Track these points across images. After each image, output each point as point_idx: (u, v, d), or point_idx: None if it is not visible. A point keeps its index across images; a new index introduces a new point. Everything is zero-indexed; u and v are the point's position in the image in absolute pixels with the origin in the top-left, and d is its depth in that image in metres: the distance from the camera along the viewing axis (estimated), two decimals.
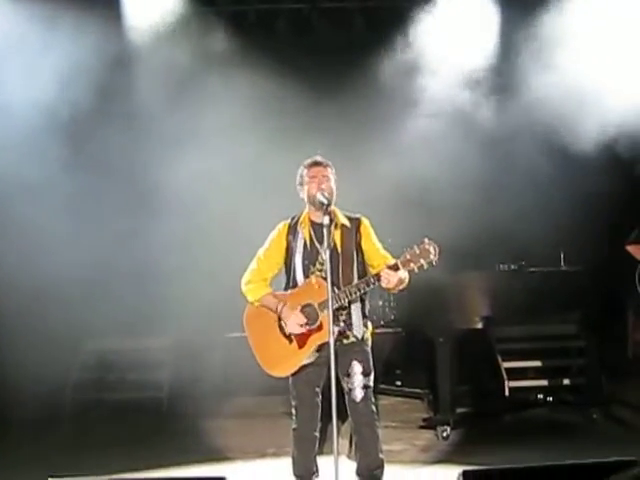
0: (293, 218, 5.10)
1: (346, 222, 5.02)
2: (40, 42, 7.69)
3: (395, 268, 4.67)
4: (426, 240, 4.64)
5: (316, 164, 5.04)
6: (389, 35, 8.70)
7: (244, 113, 8.26)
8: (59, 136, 7.71)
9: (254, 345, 5.02)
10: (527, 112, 7.98)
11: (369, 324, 5.08)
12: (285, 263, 5.05)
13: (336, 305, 4.69)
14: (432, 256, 4.60)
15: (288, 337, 4.88)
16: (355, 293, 4.78)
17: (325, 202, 4.78)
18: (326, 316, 4.58)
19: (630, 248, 6.33)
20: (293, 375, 4.96)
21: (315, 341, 4.81)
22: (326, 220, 4.66)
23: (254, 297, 5.01)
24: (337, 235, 4.95)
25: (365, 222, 5.10)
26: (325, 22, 8.97)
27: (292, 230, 5.04)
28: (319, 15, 8.94)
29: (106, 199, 8.07)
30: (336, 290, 4.72)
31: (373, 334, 5.12)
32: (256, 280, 5.04)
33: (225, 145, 8.11)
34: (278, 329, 4.91)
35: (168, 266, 8.16)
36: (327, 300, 4.51)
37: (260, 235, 5.22)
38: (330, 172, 5.03)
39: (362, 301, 4.96)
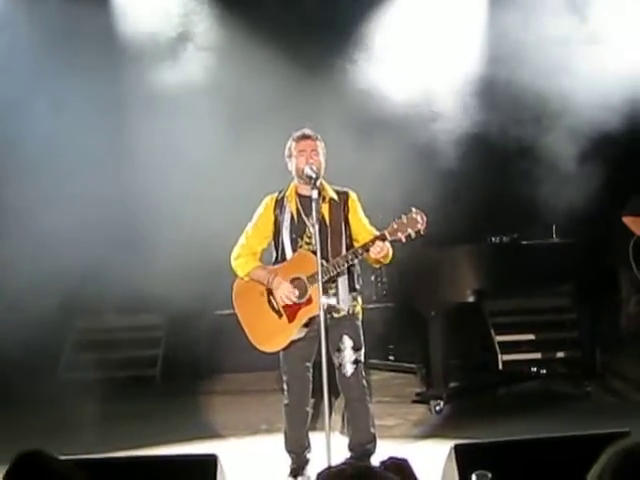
0: (280, 192, 5.05)
1: (334, 196, 4.98)
2: None
3: (383, 238, 4.63)
4: (413, 209, 4.61)
5: (305, 137, 4.98)
6: (378, 7, 8.61)
7: (233, 88, 8.21)
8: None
9: (243, 321, 4.99)
10: (515, 86, 7.92)
11: (359, 298, 5.04)
12: (273, 237, 5.01)
13: (325, 278, 4.65)
14: (420, 225, 4.57)
15: (277, 312, 4.85)
16: (343, 265, 4.74)
17: (314, 176, 4.72)
18: (315, 289, 4.55)
19: (626, 220, 6.27)
20: (284, 350, 4.93)
21: (305, 315, 4.77)
22: (315, 194, 4.62)
23: (244, 271, 4.97)
24: (325, 209, 4.91)
25: (353, 196, 5.06)
26: None
27: (279, 204, 5.00)
28: None
29: (93, 178, 7.98)
30: (325, 263, 4.69)
31: (363, 309, 5.08)
32: (245, 254, 5.01)
33: (211, 119, 8.05)
34: (267, 304, 4.88)
35: (161, 242, 8.11)
36: (316, 273, 4.48)
37: (250, 211, 5.18)
38: (319, 145, 4.98)
39: (350, 274, 4.92)
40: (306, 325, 4.82)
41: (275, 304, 4.86)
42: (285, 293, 4.78)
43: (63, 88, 7.66)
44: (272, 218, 4.99)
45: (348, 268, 4.85)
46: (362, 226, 4.98)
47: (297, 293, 4.77)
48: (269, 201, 5.05)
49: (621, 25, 7.62)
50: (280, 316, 4.85)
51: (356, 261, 4.84)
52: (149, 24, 8.31)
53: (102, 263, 7.83)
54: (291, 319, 4.82)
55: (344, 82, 8.56)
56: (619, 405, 6.73)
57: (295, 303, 4.78)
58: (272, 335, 4.89)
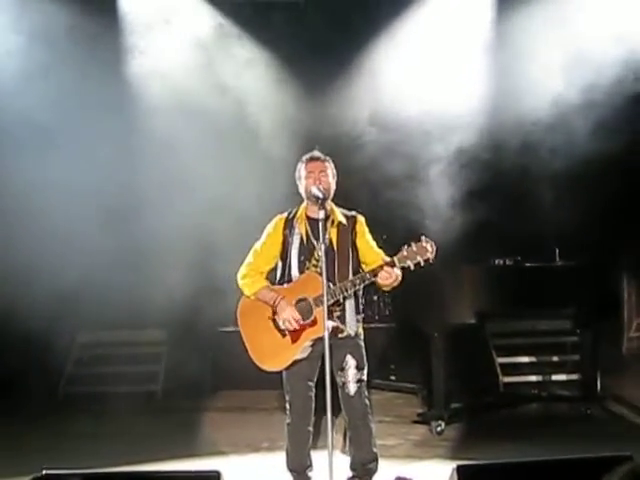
0: (290, 212, 5.09)
1: (343, 220, 5.02)
2: None
3: (392, 265, 4.65)
4: (423, 238, 4.63)
5: (313, 159, 5.03)
6: (385, 27, 8.68)
7: (240, 104, 8.29)
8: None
9: (247, 338, 5.01)
10: (519, 102, 7.99)
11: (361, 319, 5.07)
12: (281, 257, 5.04)
13: (331, 301, 4.67)
14: (429, 254, 4.59)
15: (282, 331, 4.88)
16: (350, 289, 4.77)
17: (321, 196, 4.76)
18: (320, 311, 4.57)
19: None
20: (287, 369, 4.95)
21: (309, 336, 4.80)
22: (322, 214, 4.66)
23: (250, 291, 5.00)
24: (333, 232, 4.95)
25: (361, 220, 5.10)
26: (320, 14, 8.93)
27: (289, 225, 5.03)
28: (314, 7, 8.89)
29: (95, 192, 8.00)
30: (331, 286, 4.71)
31: (365, 328, 5.11)
32: (252, 274, 5.04)
33: (218, 136, 8.11)
34: (272, 323, 4.91)
35: (163, 258, 8.13)
36: (322, 295, 4.50)
37: (258, 229, 5.22)
38: (328, 167, 5.03)
39: (356, 297, 4.96)
40: (310, 345, 4.84)
41: (279, 323, 4.89)
42: (288, 318, 4.81)
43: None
44: (281, 238, 5.03)
45: (355, 291, 4.88)
46: (369, 249, 5.01)
47: (300, 318, 4.79)
48: (278, 221, 5.09)
49: None
50: (284, 335, 4.87)
51: (363, 285, 4.87)
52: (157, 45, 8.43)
53: (105, 278, 7.85)
54: (294, 339, 4.84)
55: (347, 102, 8.64)
56: (620, 428, 6.72)
57: (300, 324, 4.81)
58: (275, 354, 4.91)
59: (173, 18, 8.49)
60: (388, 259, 4.72)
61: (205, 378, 8.48)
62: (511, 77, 8.11)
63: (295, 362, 4.91)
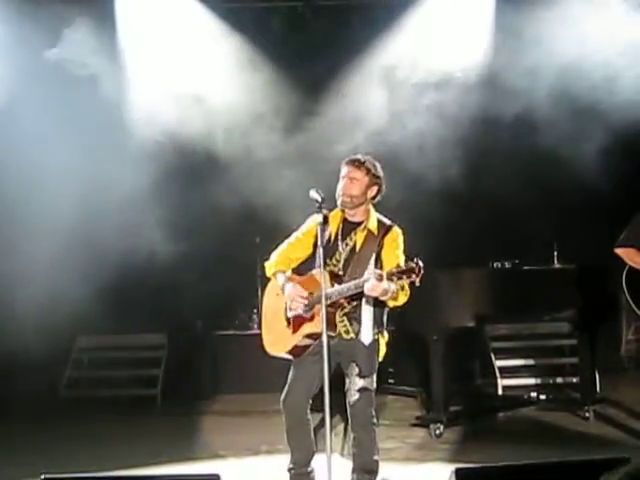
0: (330, 211, 5.03)
1: (374, 227, 4.94)
2: None
3: (379, 278, 4.56)
4: (415, 259, 4.46)
5: (347, 163, 4.98)
6: (383, 33, 8.71)
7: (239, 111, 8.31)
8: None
9: (263, 320, 5.14)
10: (523, 107, 8.00)
11: (385, 333, 5.04)
12: (312, 251, 5.06)
13: (329, 302, 4.66)
14: (414, 276, 4.41)
15: (287, 319, 4.92)
16: (344, 293, 4.70)
17: (318, 199, 4.73)
18: (319, 308, 4.57)
19: (619, 251, 6.24)
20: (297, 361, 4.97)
21: (306, 330, 4.81)
22: (319, 218, 4.68)
23: (270, 272, 5.09)
24: (361, 237, 4.92)
25: (394, 232, 4.96)
26: (319, 19, 8.95)
27: (324, 222, 4.96)
28: (313, 13, 8.92)
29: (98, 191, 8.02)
30: (335, 286, 4.71)
31: (388, 344, 5.08)
32: (279, 255, 5.09)
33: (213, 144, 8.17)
34: (283, 311, 4.95)
35: (162, 262, 8.15)
36: (321, 295, 4.51)
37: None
38: (361, 173, 4.92)
39: (376, 306, 4.89)
40: (307, 346, 4.85)
41: (287, 312, 4.93)
42: (292, 294, 4.83)
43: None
44: (314, 233, 4.95)
45: (375, 303, 4.83)
46: (393, 263, 4.73)
47: (307, 294, 4.81)
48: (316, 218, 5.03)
49: None
50: (288, 325, 4.91)
51: (357, 291, 4.77)
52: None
53: (104, 282, 7.87)
54: (294, 330, 4.87)
55: (344, 101, 8.66)
56: (618, 432, 6.72)
57: (301, 316, 4.84)
58: (276, 340, 4.98)
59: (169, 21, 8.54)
60: (379, 271, 4.59)
61: (204, 382, 8.49)
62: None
63: (307, 356, 4.90)
